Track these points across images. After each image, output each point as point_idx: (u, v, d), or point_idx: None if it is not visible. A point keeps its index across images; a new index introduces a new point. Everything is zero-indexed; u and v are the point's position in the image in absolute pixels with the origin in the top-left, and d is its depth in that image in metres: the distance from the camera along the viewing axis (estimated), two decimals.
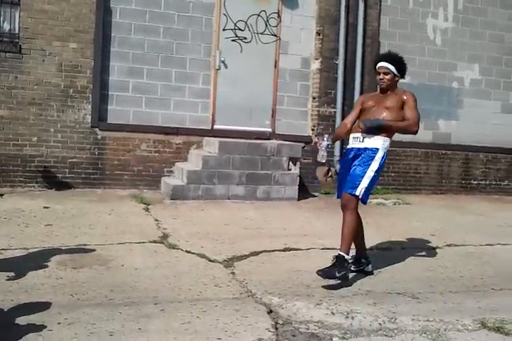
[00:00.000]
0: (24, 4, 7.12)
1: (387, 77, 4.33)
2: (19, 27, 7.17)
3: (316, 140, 4.42)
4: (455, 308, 3.78)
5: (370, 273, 4.44)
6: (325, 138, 4.33)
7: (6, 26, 7.25)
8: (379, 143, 4.24)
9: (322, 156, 4.31)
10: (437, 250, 5.39)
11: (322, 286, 4.03)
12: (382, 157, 4.24)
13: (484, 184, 9.48)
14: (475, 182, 9.42)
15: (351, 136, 4.37)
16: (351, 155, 4.31)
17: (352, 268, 4.36)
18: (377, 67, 4.40)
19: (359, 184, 4.15)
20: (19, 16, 7.16)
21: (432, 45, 9.07)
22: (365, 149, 4.24)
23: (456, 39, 9.17)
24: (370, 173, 4.18)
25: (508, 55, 9.48)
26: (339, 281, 4.06)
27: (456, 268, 4.78)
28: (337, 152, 8.40)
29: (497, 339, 3.34)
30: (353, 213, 4.18)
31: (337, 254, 4.12)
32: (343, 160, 4.52)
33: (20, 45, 7.12)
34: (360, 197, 4.17)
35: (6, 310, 3.28)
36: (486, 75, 9.38)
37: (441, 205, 8.10)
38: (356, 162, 4.24)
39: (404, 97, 4.32)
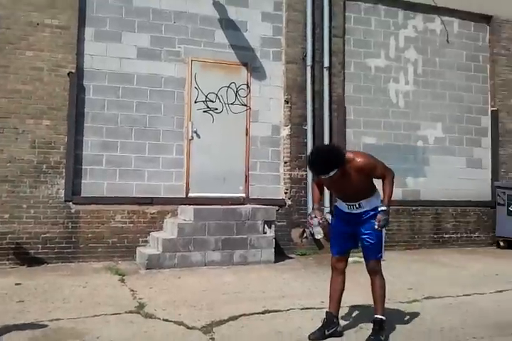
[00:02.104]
0: None
1: (335, 176, 4.01)
2: None
3: (308, 220, 4.46)
4: None
5: (340, 334, 4.35)
6: (313, 217, 4.35)
7: None
8: (376, 202, 4.26)
9: (317, 232, 4.36)
10: (415, 303, 5.36)
11: None
12: None
13: (456, 237, 9.61)
14: (447, 236, 9.54)
15: (343, 203, 4.33)
16: (353, 221, 4.29)
17: (326, 332, 4.25)
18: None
19: (381, 247, 4.27)
20: None
21: (396, 108, 9.48)
22: (367, 213, 4.25)
23: (418, 100, 9.62)
24: (383, 232, 4.25)
25: (468, 113, 9.95)
26: None
27: (436, 320, 4.75)
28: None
29: None
30: (382, 275, 4.33)
31: (375, 318, 4.25)
32: (339, 220, 4.45)
33: None
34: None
35: None
36: (449, 133, 9.77)
37: (415, 260, 8.12)
38: (366, 229, 4.23)
39: (365, 168, 4.13)
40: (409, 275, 6.85)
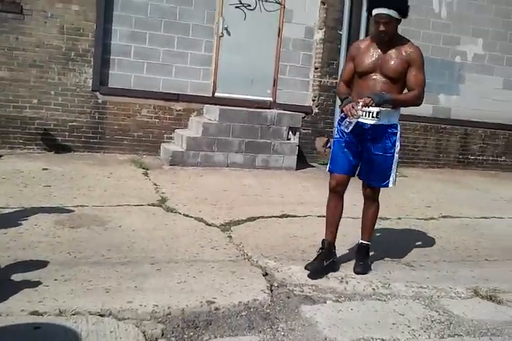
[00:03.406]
0: None
1: (390, 26, 3.40)
2: None
3: (353, 106, 3.37)
4: (449, 276, 3.83)
5: (337, 267, 3.79)
6: (363, 105, 3.38)
7: None
8: (396, 117, 3.62)
9: (351, 125, 3.39)
10: (432, 221, 5.44)
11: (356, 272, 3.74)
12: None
13: (481, 159, 9.52)
14: (472, 158, 9.45)
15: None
16: (366, 135, 3.58)
17: (325, 263, 3.67)
18: (374, 14, 3.43)
19: (390, 173, 3.64)
20: None
21: (437, 18, 8.93)
22: (384, 128, 3.57)
23: (461, 12, 9.02)
24: (396, 157, 3.64)
25: None
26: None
27: (450, 239, 4.82)
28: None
29: (489, 307, 3.40)
30: (378, 202, 3.84)
31: (362, 243, 3.87)
32: (348, 134, 3.58)
33: (21, 6, 6.99)
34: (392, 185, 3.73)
35: (2, 266, 3.28)
36: (489, 50, 9.27)
37: (437, 179, 8.14)
38: (378, 149, 3.59)
39: (411, 55, 3.49)
40: (430, 193, 6.90)
